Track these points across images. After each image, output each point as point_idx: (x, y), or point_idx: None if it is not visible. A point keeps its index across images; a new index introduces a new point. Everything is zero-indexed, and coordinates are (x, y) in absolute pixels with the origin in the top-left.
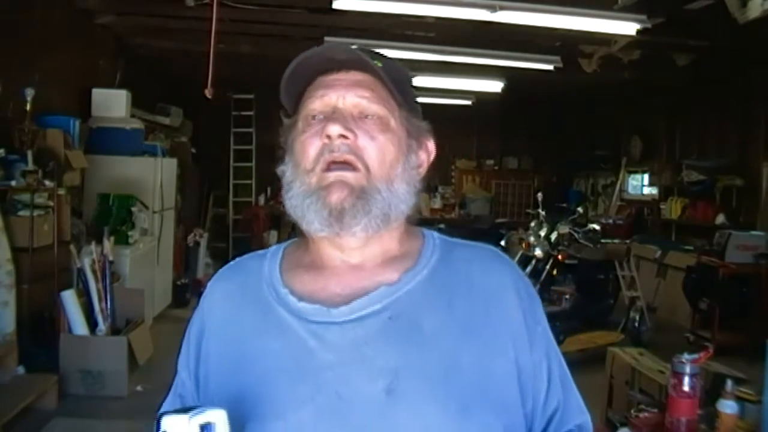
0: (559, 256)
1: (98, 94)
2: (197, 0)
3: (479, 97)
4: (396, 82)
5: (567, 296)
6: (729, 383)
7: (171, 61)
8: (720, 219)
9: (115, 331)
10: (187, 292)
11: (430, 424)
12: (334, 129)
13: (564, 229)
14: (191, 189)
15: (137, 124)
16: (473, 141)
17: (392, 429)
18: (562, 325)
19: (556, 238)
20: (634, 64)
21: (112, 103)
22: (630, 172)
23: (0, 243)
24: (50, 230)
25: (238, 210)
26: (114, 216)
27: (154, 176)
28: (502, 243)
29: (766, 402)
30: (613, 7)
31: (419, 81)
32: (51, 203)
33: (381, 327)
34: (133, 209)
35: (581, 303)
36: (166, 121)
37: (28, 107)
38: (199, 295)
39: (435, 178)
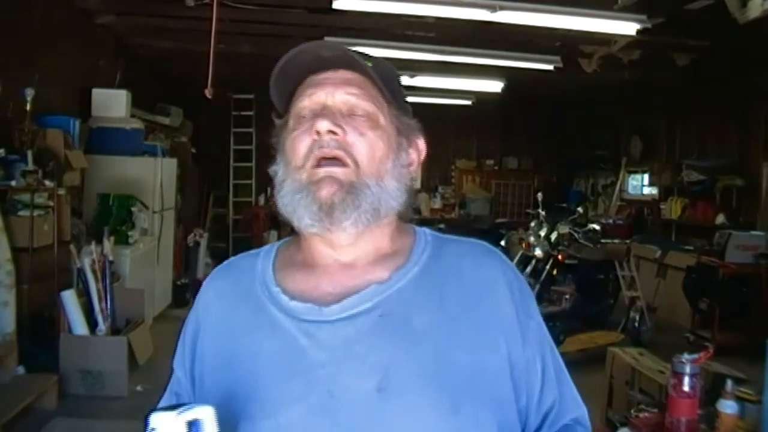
0: (559, 256)
1: (98, 94)
2: (197, 0)
3: (479, 97)
4: (385, 80)
5: (567, 296)
6: (729, 383)
7: (171, 61)
8: (720, 219)
9: (115, 331)
10: (187, 292)
11: (422, 420)
12: (323, 125)
13: (564, 229)
14: (191, 189)
15: (137, 124)
16: (473, 141)
17: (384, 426)
18: (562, 325)
19: (556, 238)
20: (634, 64)
21: (112, 103)
22: (630, 172)
23: (0, 243)
24: (50, 230)
25: (238, 210)
26: (114, 216)
27: (154, 176)
28: (502, 243)
29: (766, 402)
30: (613, 7)
31: (419, 81)
32: (51, 203)
33: (372, 325)
34: (133, 209)
35: (581, 303)
36: (166, 121)
37: (28, 107)
38: None
39: (435, 178)
